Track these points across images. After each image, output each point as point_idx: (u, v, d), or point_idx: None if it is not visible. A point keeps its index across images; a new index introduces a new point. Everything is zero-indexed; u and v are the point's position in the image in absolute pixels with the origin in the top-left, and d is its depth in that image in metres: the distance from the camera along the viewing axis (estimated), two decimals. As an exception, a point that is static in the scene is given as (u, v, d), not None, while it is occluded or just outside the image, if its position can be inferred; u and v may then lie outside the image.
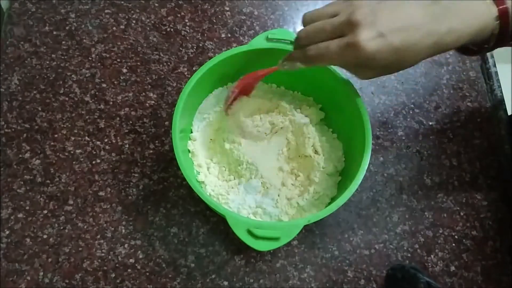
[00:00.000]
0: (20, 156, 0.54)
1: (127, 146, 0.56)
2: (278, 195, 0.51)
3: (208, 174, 0.52)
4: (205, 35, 0.63)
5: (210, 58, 0.55)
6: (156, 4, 0.65)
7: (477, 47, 0.44)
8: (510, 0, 0.39)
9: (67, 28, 0.62)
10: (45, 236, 0.50)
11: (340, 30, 0.38)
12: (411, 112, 0.61)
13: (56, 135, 0.55)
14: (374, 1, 0.38)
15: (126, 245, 0.51)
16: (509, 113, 0.61)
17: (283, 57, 0.45)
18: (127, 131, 0.56)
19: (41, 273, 0.49)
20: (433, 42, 0.38)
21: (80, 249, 0.50)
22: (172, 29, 0.63)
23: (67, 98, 0.58)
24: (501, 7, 0.39)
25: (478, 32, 0.39)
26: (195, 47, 0.62)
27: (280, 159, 0.53)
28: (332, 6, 0.40)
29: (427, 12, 0.38)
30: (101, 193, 0.53)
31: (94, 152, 0.55)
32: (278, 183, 0.51)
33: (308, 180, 0.51)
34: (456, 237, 0.54)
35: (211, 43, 0.63)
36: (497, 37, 0.41)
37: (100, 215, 0.52)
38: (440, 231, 0.54)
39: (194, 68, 0.61)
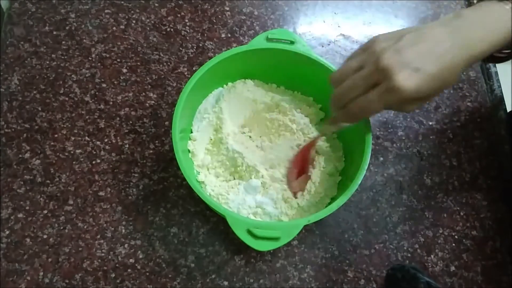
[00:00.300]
0: (20, 156, 0.54)
1: (127, 146, 0.56)
2: (278, 195, 0.51)
3: (208, 174, 0.52)
4: (205, 35, 0.63)
5: (210, 58, 0.55)
6: (156, 4, 0.65)
7: (507, 53, 0.44)
8: None
9: (67, 28, 0.62)
10: (45, 236, 0.50)
11: (373, 80, 0.38)
12: (411, 112, 0.61)
13: (56, 135, 0.55)
14: (392, 40, 0.38)
15: (126, 245, 0.51)
16: (508, 110, 0.61)
17: (326, 121, 0.45)
18: (127, 131, 0.56)
19: (41, 273, 0.49)
20: (467, 55, 0.38)
21: (80, 249, 0.50)
22: (172, 29, 0.63)
23: (67, 98, 0.58)
24: None
25: (508, 36, 0.39)
26: (195, 47, 0.62)
27: (280, 159, 0.53)
28: (354, 60, 0.40)
29: (450, 29, 0.38)
30: (101, 193, 0.53)
31: (94, 152, 0.55)
32: (278, 183, 0.51)
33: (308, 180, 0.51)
34: (456, 237, 0.54)
35: (211, 43, 0.63)
36: None
37: (100, 215, 0.52)
38: (440, 231, 0.54)
39: (194, 68, 0.61)
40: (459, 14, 0.39)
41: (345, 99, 0.40)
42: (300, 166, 0.51)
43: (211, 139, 0.54)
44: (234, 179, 0.52)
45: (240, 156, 0.51)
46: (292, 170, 0.51)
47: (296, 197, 0.50)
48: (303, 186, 0.50)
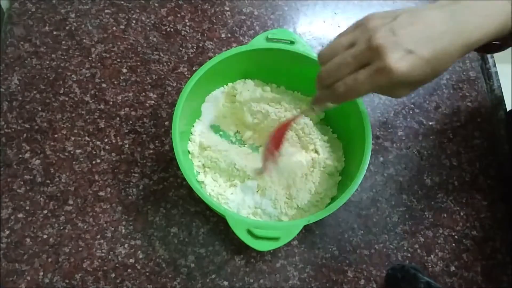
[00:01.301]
0: (20, 156, 0.54)
1: (127, 146, 0.56)
2: (278, 196, 0.51)
3: (207, 174, 0.52)
4: (205, 35, 0.63)
5: (210, 58, 0.55)
6: (156, 4, 0.65)
7: (500, 42, 0.43)
8: None
9: (67, 28, 0.62)
10: (45, 236, 0.50)
11: (364, 59, 0.36)
12: (411, 112, 0.61)
13: (56, 135, 0.55)
14: (387, 19, 0.36)
15: (126, 245, 0.51)
16: (508, 109, 0.61)
17: (311, 101, 0.43)
18: (127, 131, 0.56)
19: (41, 273, 0.49)
20: (462, 42, 0.36)
21: (80, 249, 0.50)
22: (172, 29, 0.63)
23: (67, 98, 0.58)
24: None
25: (504, 27, 0.38)
26: (195, 47, 0.62)
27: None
28: (346, 37, 0.38)
29: (447, 14, 0.36)
30: (101, 193, 0.53)
31: (94, 152, 0.55)
32: (278, 183, 0.51)
33: (308, 180, 0.51)
34: (456, 237, 0.54)
35: (211, 43, 0.63)
36: None
37: (100, 215, 0.52)
38: (440, 231, 0.54)
39: (194, 68, 0.61)
40: (456, 1, 0.37)
41: (332, 77, 0.38)
42: (276, 144, 0.48)
43: (210, 140, 0.54)
44: (234, 179, 0.51)
45: (237, 159, 0.51)
46: (269, 147, 0.48)
47: (264, 173, 0.49)
48: (271, 165, 0.49)
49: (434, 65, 0.36)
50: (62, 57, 0.60)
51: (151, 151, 0.55)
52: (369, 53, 0.35)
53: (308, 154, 0.52)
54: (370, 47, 0.35)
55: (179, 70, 0.61)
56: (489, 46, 0.43)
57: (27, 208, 0.51)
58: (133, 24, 0.63)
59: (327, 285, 0.51)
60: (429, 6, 0.37)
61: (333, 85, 0.38)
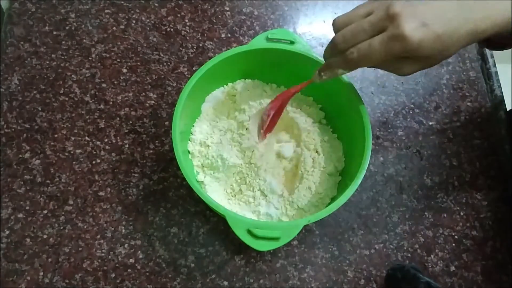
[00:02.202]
0: (20, 156, 0.54)
1: (127, 146, 0.56)
2: (278, 196, 0.51)
3: (207, 174, 0.52)
4: (205, 35, 0.63)
5: (210, 58, 0.55)
6: (156, 4, 0.65)
7: (508, 39, 0.44)
8: None
9: (67, 28, 0.62)
10: (45, 236, 0.50)
11: (380, 26, 0.37)
12: (411, 112, 0.61)
13: (56, 135, 0.55)
14: None
15: (126, 245, 0.51)
16: (508, 109, 0.61)
17: (319, 68, 0.43)
18: (127, 131, 0.56)
19: (41, 273, 0.49)
20: (470, 29, 0.38)
21: (80, 249, 0.50)
22: (172, 29, 0.63)
23: (67, 98, 0.58)
24: None
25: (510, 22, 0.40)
26: (195, 47, 0.62)
27: (279, 159, 0.53)
28: (363, 7, 0.39)
29: (455, 2, 0.38)
30: (101, 193, 0.53)
31: (94, 152, 0.55)
32: (278, 183, 0.51)
33: (308, 180, 0.51)
34: (456, 237, 0.54)
35: (211, 43, 0.63)
36: None
37: (100, 215, 0.52)
38: (440, 231, 0.54)
39: (194, 68, 0.61)
40: None
41: (347, 42, 0.39)
42: (277, 111, 0.48)
43: (210, 139, 0.54)
44: (233, 179, 0.51)
45: (236, 160, 0.50)
46: (268, 112, 0.48)
47: (261, 140, 0.49)
48: (266, 134, 0.50)
49: (443, 43, 0.38)
50: (62, 57, 0.60)
51: (151, 151, 0.55)
52: (386, 20, 0.37)
53: (308, 154, 0.52)
54: (387, 14, 0.37)
55: (179, 70, 0.61)
56: (496, 42, 0.44)
57: (27, 208, 0.51)
58: (133, 24, 0.63)
59: (327, 285, 0.51)
60: None
61: (346, 51, 0.39)
